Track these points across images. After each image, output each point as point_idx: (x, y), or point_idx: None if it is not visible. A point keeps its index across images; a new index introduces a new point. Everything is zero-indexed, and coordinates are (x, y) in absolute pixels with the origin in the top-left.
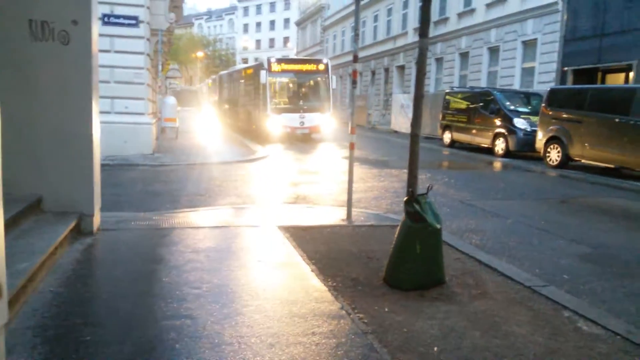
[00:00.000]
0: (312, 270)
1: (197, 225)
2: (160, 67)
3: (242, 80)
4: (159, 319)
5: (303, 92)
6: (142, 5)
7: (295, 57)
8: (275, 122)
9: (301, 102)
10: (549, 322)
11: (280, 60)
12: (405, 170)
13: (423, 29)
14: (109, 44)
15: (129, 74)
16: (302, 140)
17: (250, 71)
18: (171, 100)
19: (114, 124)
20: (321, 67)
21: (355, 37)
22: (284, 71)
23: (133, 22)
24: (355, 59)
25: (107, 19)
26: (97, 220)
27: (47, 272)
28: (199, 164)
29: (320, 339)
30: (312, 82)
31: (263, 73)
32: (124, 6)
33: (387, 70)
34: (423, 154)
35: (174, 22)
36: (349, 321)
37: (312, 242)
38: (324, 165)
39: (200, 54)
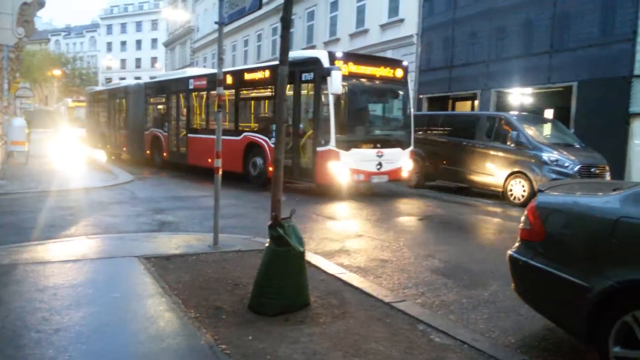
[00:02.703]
0: (174, 302)
1: (44, 260)
2: (6, 86)
3: (228, 92)
4: None
5: (379, 114)
6: None
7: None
8: (341, 164)
9: (377, 131)
10: (405, 337)
11: (349, 57)
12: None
13: (282, 57)
14: None
15: None
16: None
17: (265, 74)
18: (19, 121)
19: None
20: (399, 73)
21: (219, 61)
22: (352, 75)
23: None
24: (220, 82)
25: None
26: None
27: None
28: (52, 192)
29: None
30: (389, 96)
31: (335, 74)
32: None
33: None
34: None
35: (23, 37)
36: (211, 353)
37: (175, 271)
38: (194, 188)
39: (57, 72)
